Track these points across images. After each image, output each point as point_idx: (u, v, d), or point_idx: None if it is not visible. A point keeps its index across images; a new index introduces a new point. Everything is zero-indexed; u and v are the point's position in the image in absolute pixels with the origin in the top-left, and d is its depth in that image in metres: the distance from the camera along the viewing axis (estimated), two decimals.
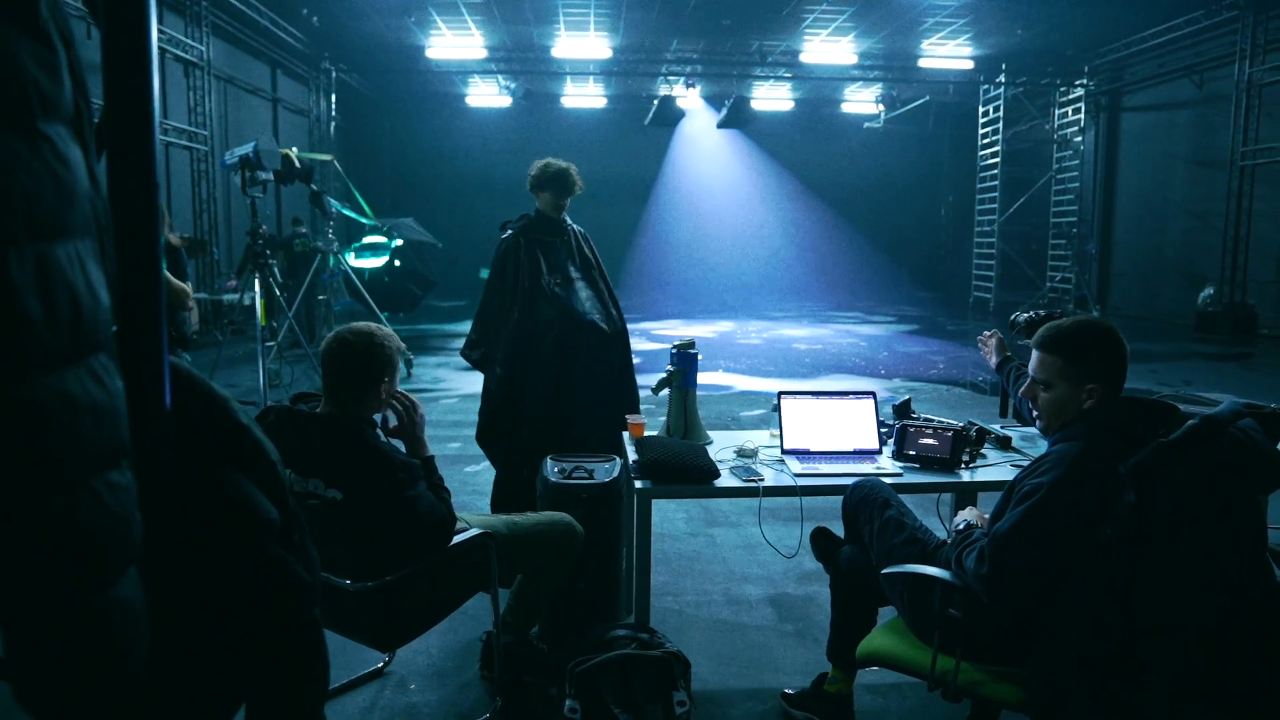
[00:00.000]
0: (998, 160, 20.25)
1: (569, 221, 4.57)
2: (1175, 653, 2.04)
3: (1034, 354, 2.50)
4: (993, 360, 3.69)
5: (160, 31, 12.74)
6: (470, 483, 5.86)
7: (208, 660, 1.24)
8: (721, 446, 3.58)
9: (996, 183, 20.26)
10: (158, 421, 1.14)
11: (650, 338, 13.91)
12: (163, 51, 13.08)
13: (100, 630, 0.90)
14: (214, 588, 1.21)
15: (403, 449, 2.83)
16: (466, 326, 4.65)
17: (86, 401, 0.86)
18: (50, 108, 0.86)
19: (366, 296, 10.66)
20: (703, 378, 9.69)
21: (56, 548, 0.85)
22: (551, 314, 4.35)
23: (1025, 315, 3.72)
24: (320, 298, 12.37)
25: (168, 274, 3.74)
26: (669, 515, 5.23)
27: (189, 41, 13.67)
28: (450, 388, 9.62)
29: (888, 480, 3.11)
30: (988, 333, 3.78)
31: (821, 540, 3.13)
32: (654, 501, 3.27)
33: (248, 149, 7.78)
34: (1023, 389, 2.57)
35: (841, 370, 11.31)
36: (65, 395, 0.84)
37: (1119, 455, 2.15)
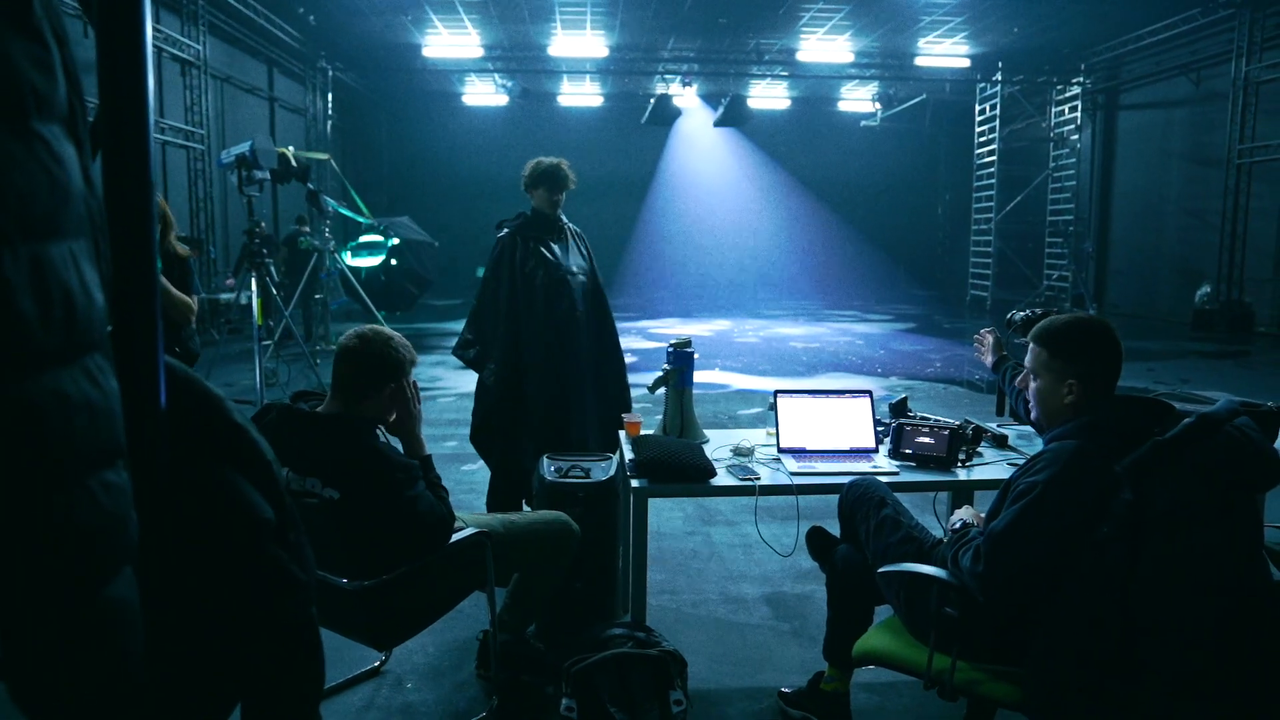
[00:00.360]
0: (994, 158, 20.27)
1: (564, 219, 4.57)
2: (1173, 651, 2.04)
3: (1029, 345, 2.53)
4: (988, 360, 3.69)
5: (157, 30, 12.74)
6: (466, 481, 5.86)
7: (204, 659, 1.24)
8: (718, 445, 3.58)
9: (993, 181, 20.28)
10: (154, 421, 1.14)
11: (647, 336, 13.90)
12: (159, 50, 13.07)
13: (96, 630, 0.90)
14: (210, 587, 1.22)
15: (399, 448, 2.84)
16: (463, 326, 4.66)
17: (81, 401, 0.86)
18: (44, 107, 0.86)
19: (363, 295, 10.68)
20: (700, 376, 9.69)
21: (53, 547, 0.85)
22: (550, 310, 4.36)
23: (1021, 314, 3.74)
24: (317, 296, 12.37)
25: (168, 285, 3.73)
26: (666, 514, 5.23)
27: (185, 40, 13.64)
28: (447, 386, 9.62)
29: (884, 479, 3.11)
30: (985, 330, 3.78)
31: (817, 539, 3.13)
32: (651, 500, 3.27)
33: (244, 148, 7.77)
34: (1019, 379, 2.61)
35: (838, 369, 11.31)
36: (60, 395, 0.84)
37: (1115, 453, 2.16)
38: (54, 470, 0.85)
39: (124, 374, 1.07)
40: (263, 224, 8.14)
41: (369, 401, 2.74)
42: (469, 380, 4.59)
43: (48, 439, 0.84)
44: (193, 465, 1.20)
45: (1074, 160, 19.56)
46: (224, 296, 12.31)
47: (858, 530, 2.84)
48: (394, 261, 14.01)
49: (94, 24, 1.03)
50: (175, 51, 13.41)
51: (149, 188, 1.11)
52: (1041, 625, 2.24)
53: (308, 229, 13.39)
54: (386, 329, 2.85)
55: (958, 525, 2.58)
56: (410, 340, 2.91)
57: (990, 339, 3.70)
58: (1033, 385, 2.49)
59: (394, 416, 2.85)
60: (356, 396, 2.73)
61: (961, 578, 2.32)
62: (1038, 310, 3.69)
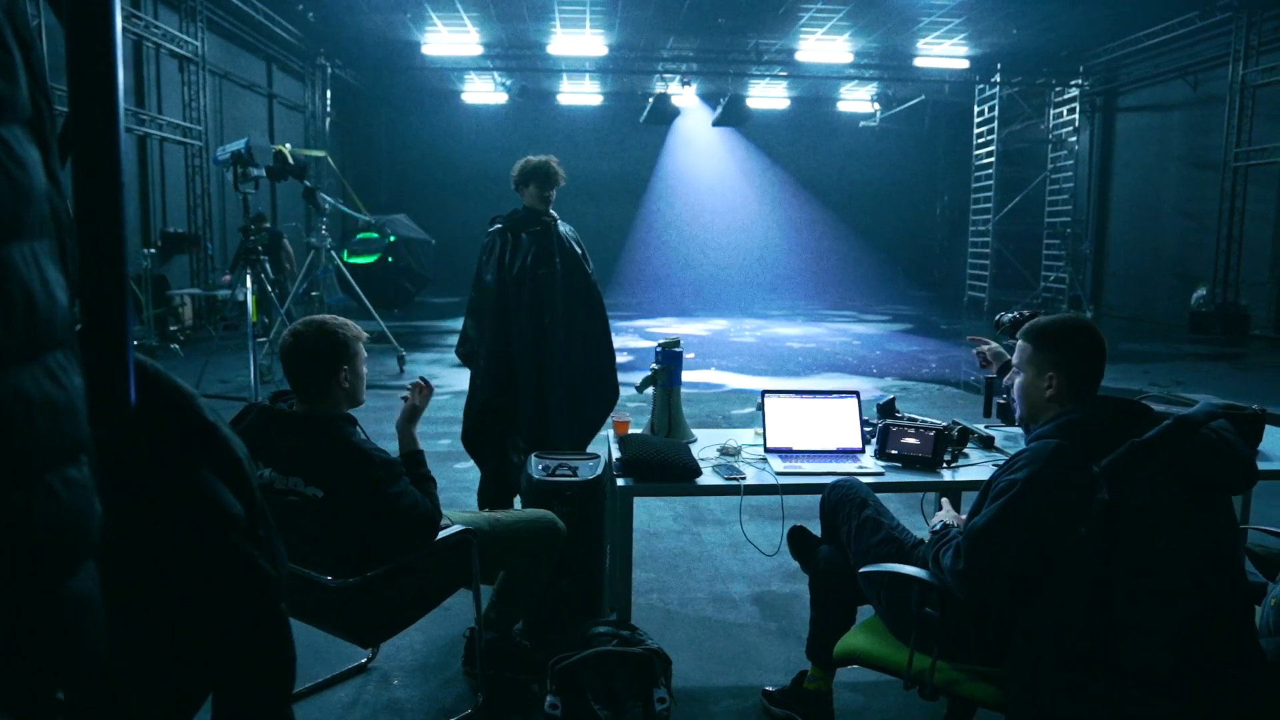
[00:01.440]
0: (993, 160, 20.27)
1: (555, 215, 4.58)
2: (1151, 650, 2.06)
3: (1016, 343, 2.55)
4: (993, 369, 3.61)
5: (155, 26, 12.75)
6: (460, 480, 5.87)
7: (174, 653, 1.25)
8: (705, 445, 3.60)
9: (991, 182, 20.28)
10: (123, 418, 1.15)
11: (644, 335, 13.90)
12: (157, 46, 13.07)
13: (56, 624, 0.91)
14: (180, 582, 1.23)
15: (386, 447, 2.85)
16: (459, 323, 4.68)
17: (41, 399, 0.88)
18: (5, 110, 0.87)
19: (359, 293, 10.67)
20: (695, 376, 9.75)
21: (12, 542, 0.86)
22: (534, 306, 4.37)
23: (1010, 315, 3.76)
24: (314, 294, 12.37)
25: None
26: (656, 513, 5.24)
27: (184, 37, 13.65)
28: (442, 384, 9.61)
29: (869, 479, 3.13)
30: (983, 345, 3.70)
31: (799, 539, 3.15)
32: (642, 499, 3.29)
33: (239, 145, 7.79)
34: (1005, 377, 2.64)
35: (834, 369, 11.31)
36: (20, 392, 0.85)
37: (1093, 453, 2.17)
38: (14, 466, 0.86)
39: (94, 372, 1.08)
40: (266, 222, 8.15)
41: (330, 391, 2.74)
42: (464, 378, 4.61)
43: (8, 435, 0.85)
44: (163, 462, 1.21)
45: (1072, 162, 19.56)
46: (220, 293, 12.32)
47: (840, 531, 2.86)
48: (391, 259, 14.04)
49: (63, 23, 1.04)
50: (173, 48, 13.40)
51: (118, 188, 1.12)
52: (1020, 624, 2.25)
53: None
54: (319, 315, 2.87)
55: (938, 528, 2.60)
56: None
57: (989, 352, 3.62)
58: (1017, 381, 2.51)
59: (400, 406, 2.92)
60: (316, 391, 2.74)
61: (942, 577, 2.33)
62: (1025, 312, 3.70)
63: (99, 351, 1.13)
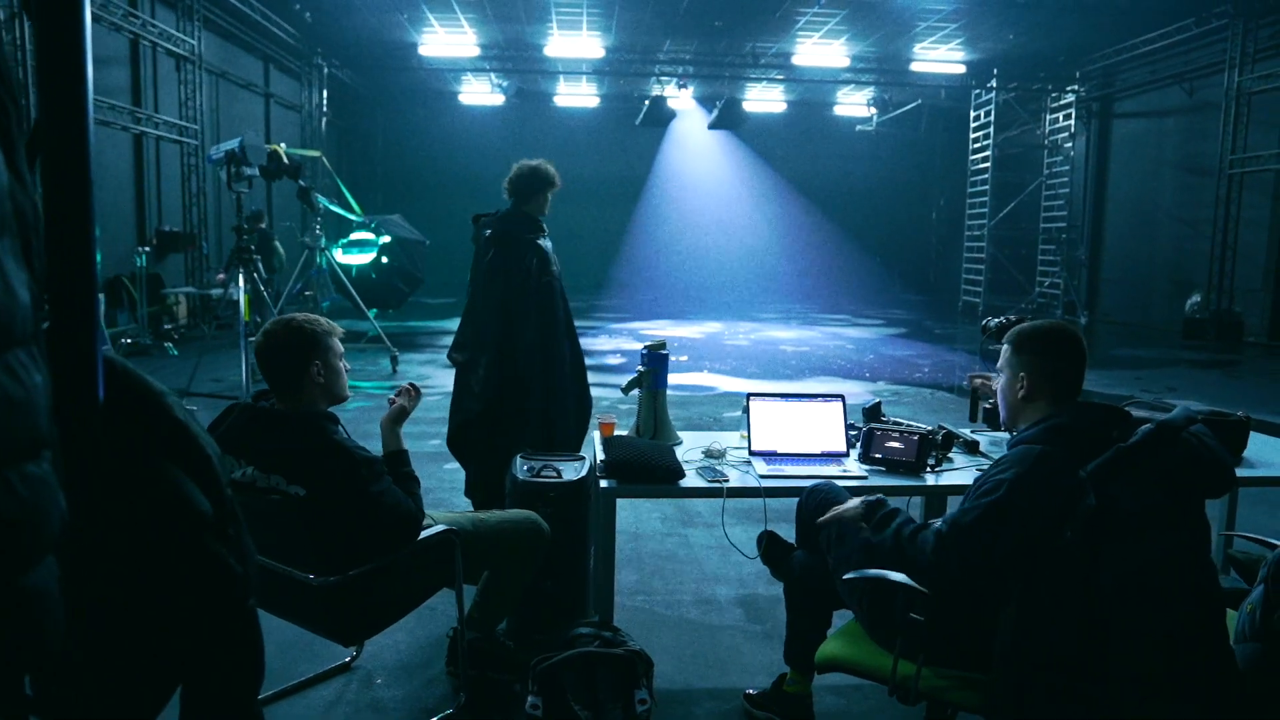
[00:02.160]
0: (989, 165, 20.30)
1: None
2: (1143, 652, 2.07)
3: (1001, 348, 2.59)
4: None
5: (151, 25, 12.75)
6: (449, 480, 5.87)
7: (142, 647, 1.26)
8: (691, 447, 3.60)
9: (987, 187, 20.32)
10: (91, 416, 1.16)
11: (637, 338, 13.89)
12: (154, 45, 13.07)
13: (12, 618, 0.92)
14: (147, 577, 1.24)
15: (372, 447, 2.85)
16: (453, 324, 4.65)
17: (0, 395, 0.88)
18: None
19: (353, 293, 10.67)
20: (687, 378, 9.76)
21: None
22: (541, 312, 4.37)
23: (997, 320, 3.77)
24: (308, 294, 12.38)
25: None
26: (644, 515, 5.25)
27: (180, 35, 13.65)
28: (435, 385, 9.61)
29: (852, 483, 3.13)
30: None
31: (771, 545, 3.13)
32: (630, 501, 3.30)
33: (233, 144, 7.79)
34: (994, 381, 2.68)
35: (827, 372, 11.32)
36: None
37: (1077, 458, 2.18)
38: None
39: (62, 369, 1.09)
40: (261, 223, 8.16)
41: (304, 387, 2.74)
42: None
43: None
44: (132, 459, 1.22)
45: (1068, 168, 19.59)
46: (215, 292, 12.32)
47: (818, 537, 2.85)
48: (385, 259, 14.04)
49: (32, 20, 1.05)
50: (170, 46, 13.40)
51: (87, 186, 1.13)
52: (1007, 627, 2.25)
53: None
54: (289, 314, 2.88)
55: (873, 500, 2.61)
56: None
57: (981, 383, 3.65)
58: (997, 384, 2.54)
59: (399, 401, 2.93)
60: (290, 387, 2.74)
61: (912, 555, 2.33)
62: (1013, 316, 3.72)
63: (67, 349, 1.14)
